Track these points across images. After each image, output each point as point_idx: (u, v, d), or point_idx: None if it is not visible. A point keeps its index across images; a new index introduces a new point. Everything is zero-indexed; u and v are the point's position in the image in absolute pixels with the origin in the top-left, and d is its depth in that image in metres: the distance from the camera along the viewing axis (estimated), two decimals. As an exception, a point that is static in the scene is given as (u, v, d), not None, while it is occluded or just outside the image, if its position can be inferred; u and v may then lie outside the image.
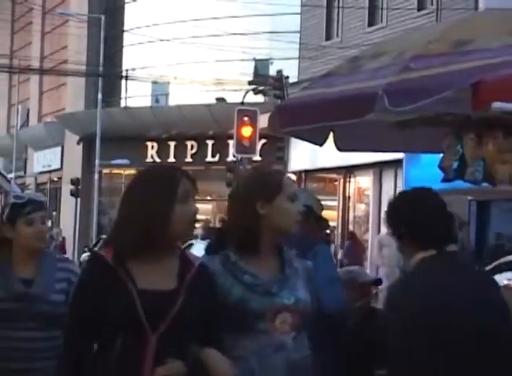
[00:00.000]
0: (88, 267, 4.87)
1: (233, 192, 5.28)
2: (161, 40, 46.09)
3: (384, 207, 39.07)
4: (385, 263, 26.45)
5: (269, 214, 4.99)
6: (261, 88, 37.11)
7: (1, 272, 5.90)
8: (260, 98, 36.39)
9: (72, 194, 43.53)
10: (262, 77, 38.45)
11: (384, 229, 32.68)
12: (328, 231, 17.17)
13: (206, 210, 44.19)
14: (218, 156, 43.18)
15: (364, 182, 36.62)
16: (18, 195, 6.48)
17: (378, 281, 9.45)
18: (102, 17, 46.88)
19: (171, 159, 45.35)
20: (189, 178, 4.80)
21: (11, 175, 45.78)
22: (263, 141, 34.68)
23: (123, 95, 51.01)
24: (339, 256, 30.28)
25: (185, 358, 4.57)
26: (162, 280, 4.65)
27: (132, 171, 48.37)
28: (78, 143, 50.15)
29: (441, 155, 7.20)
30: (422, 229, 5.31)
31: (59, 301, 5.91)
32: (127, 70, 48.10)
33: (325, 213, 8.66)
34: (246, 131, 29.77)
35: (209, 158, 44.08)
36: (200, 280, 4.72)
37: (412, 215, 5.36)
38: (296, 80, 35.24)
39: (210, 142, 44.23)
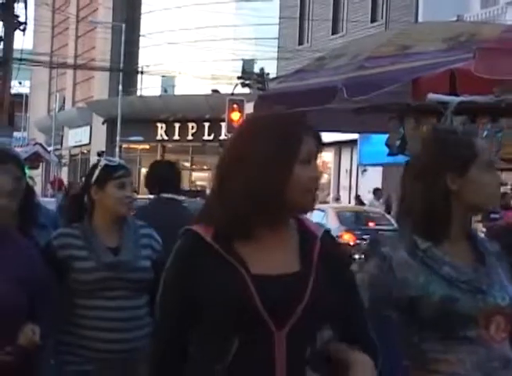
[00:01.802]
0: (185, 248, 3.05)
1: (414, 164, 3.61)
2: (169, 43, 46.76)
3: (342, 176, 38.92)
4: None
5: (462, 189, 3.42)
6: (247, 82, 37.43)
7: (89, 242, 4.92)
8: (246, 90, 36.52)
9: (99, 162, 44.00)
10: (248, 74, 38.64)
11: (342, 192, 33.14)
12: None
13: (203, 178, 45.80)
14: (212, 135, 43.36)
15: (327, 156, 36.57)
16: (109, 158, 5.46)
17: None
18: (123, 25, 47.56)
19: (176, 137, 46.13)
20: (315, 135, 3.05)
21: (50, 148, 46.17)
22: (248, 124, 35.00)
23: (138, 86, 51.44)
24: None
25: (316, 361, 2.97)
26: (282, 262, 3.01)
27: (145, 146, 49.09)
28: (103, 124, 50.29)
29: (388, 135, 7.11)
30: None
31: (146, 268, 4.93)
32: (142, 67, 48.70)
33: None
34: (235, 115, 30.34)
35: (206, 137, 44.30)
36: (330, 255, 3.06)
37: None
38: (275, 76, 35.47)
39: (206, 124, 44.57)
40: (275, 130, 3.00)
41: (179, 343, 3.05)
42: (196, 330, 3.02)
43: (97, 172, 5.06)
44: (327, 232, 3.13)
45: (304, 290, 2.93)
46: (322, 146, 3.05)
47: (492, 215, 14.77)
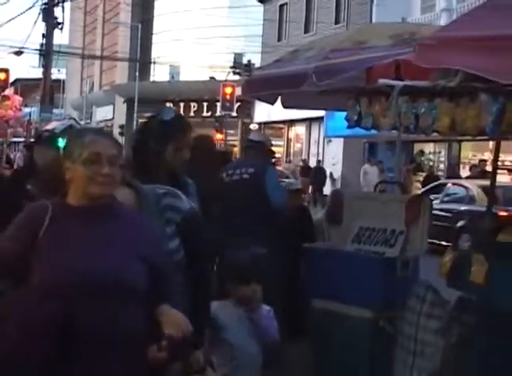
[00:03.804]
0: None
1: None
2: (176, 40, 46.67)
3: (312, 146, 38.85)
4: (367, 185, 23.19)
5: None
6: (237, 71, 37.54)
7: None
8: (237, 77, 36.56)
9: (120, 133, 43.82)
10: (238, 64, 38.70)
11: (311, 158, 33.15)
12: (275, 159, 17.34)
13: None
14: (210, 112, 43.27)
15: (299, 130, 36.57)
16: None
17: (301, 189, 9.21)
18: (140, 25, 47.68)
19: (181, 113, 46.16)
20: None
21: (82, 122, 46.08)
22: (238, 103, 34.80)
23: (151, 73, 51.23)
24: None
25: None
26: None
27: (156, 121, 48.89)
28: (123, 103, 49.97)
29: (347, 112, 6.94)
30: None
31: None
32: (154, 58, 48.62)
33: (274, 148, 8.59)
34: (228, 90, 31.37)
35: (204, 114, 44.03)
36: None
37: None
38: (259, 66, 35.47)
39: (205, 104, 44.31)
40: None
41: None
42: None
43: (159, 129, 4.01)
44: None
45: None
46: None
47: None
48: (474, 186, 16.81)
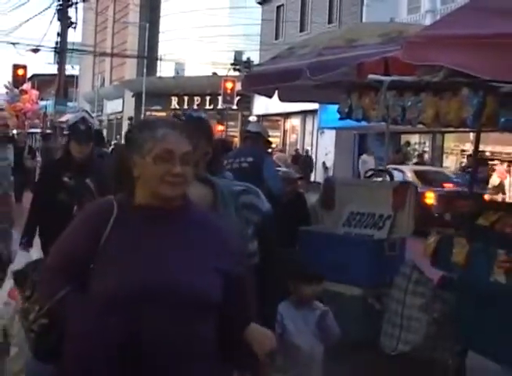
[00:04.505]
0: None
1: None
2: (180, 38, 46.62)
3: (307, 136, 38.77)
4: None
5: None
6: (237, 67, 37.45)
7: None
8: (237, 73, 36.51)
9: (129, 125, 44.03)
10: (238, 61, 38.67)
11: (307, 147, 33.10)
12: (271, 149, 17.24)
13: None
14: (212, 106, 43.18)
15: (295, 122, 36.41)
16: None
17: (301, 178, 9.07)
18: (147, 24, 47.60)
19: (185, 106, 45.75)
20: None
21: (94, 114, 46.25)
22: (238, 97, 34.75)
23: (158, 69, 51.16)
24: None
25: None
26: None
27: (163, 113, 48.76)
28: (132, 97, 49.92)
29: (339, 104, 6.93)
30: None
31: None
32: (160, 55, 48.51)
33: (271, 139, 8.70)
34: (229, 85, 31.39)
35: (207, 106, 43.81)
36: None
37: None
38: (258, 63, 35.38)
39: (207, 98, 44.19)
40: None
41: None
42: None
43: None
44: None
45: None
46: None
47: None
48: (409, 171, 18.65)
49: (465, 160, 22.57)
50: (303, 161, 28.77)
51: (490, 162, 20.69)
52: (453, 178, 18.88)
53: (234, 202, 2.93)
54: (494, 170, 20.75)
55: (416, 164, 22.97)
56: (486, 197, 14.74)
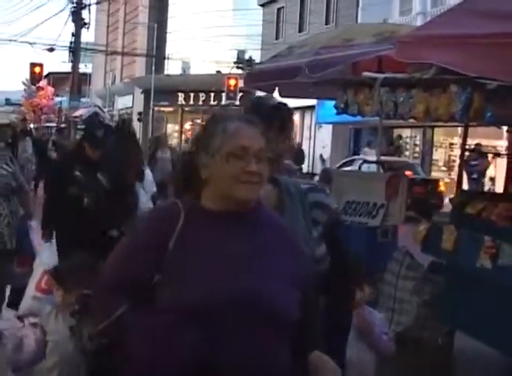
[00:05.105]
0: None
1: None
2: (187, 38, 46.63)
3: (305, 131, 38.68)
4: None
5: None
6: (240, 66, 37.46)
7: None
8: (239, 71, 36.48)
9: (138, 119, 43.87)
10: (241, 60, 38.68)
11: (305, 141, 33.05)
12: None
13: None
14: (216, 102, 43.11)
15: (294, 117, 36.45)
16: None
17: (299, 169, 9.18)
18: (156, 25, 47.38)
19: (191, 103, 45.78)
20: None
21: (105, 109, 46.15)
22: (241, 94, 34.72)
23: (166, 67, 51.11)
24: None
25: None
26: None
27: (170, 109, 48.64)
28: (141, 93, 49.91)
29: (336, 100, 6.85)
30: None
31: None
32: (168, 54, 48.49)
33: None
34: (232, 82, 31.38)
35: (211, 103, 43.74)
36: None
37: None
38: (259, 61, 35.37)
39: (212, 94, 44.07)
40: None
41: None
42: None
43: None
44: None
45: None
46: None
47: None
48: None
49: (453, 152, 22.63)
50: (296, 154, 28.87)
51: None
52: (416, 166, 19.61)
53: (301, 201, 2.55)
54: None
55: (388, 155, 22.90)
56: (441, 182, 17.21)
